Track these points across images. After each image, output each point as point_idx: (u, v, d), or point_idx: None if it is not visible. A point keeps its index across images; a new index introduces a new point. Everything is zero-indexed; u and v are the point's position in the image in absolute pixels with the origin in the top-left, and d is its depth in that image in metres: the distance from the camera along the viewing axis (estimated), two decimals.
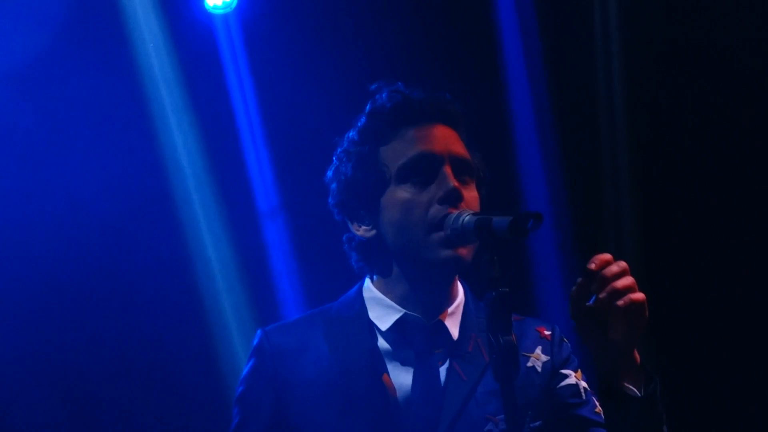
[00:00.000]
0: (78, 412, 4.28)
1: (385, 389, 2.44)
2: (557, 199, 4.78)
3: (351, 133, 2.62)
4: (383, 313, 2.54)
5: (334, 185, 2.64)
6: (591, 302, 2.17)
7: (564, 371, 2.59)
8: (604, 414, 2.29)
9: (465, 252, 2.45)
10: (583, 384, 2.59)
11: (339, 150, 2.64)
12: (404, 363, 2.49)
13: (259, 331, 2.61)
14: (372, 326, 2.54)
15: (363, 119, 2.61)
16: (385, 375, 2.46)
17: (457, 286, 2.61)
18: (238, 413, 2.58)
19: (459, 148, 2.55)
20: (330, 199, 2.66)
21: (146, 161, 4.40)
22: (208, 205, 4.46)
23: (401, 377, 2.47)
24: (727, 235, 4.79)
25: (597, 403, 2.56)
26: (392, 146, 2.55)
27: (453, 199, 2.44)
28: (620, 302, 2.14)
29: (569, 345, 2.65)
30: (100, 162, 4.31)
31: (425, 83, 2.65)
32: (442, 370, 2.48)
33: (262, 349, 2.57)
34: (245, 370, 2.62)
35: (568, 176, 4.82)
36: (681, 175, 4.80)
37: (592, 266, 2.14)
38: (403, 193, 2.50)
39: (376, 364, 2.47)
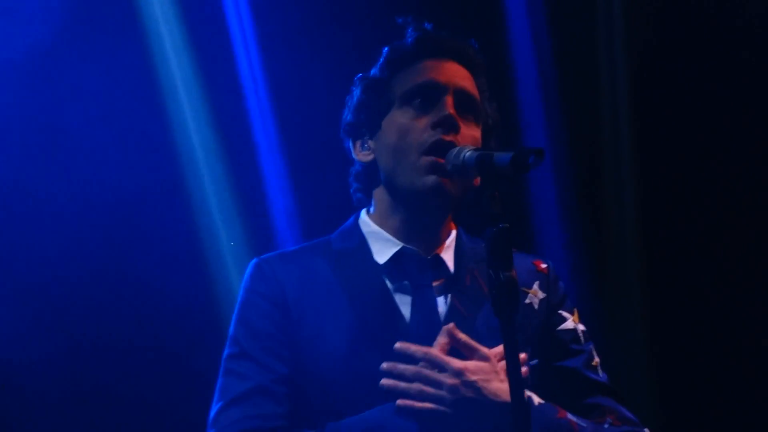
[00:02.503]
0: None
1: (396, 321, 2.45)
2: (557, 138, 4.78)
3: (374, 65, 2.65)
4: (381, 246, 2.56)
5: (345, 111, 2.68)
6: None
7: (562, 312, 2.62)
8: None
9: (448, 183, 2.46)
10: (581, 327, 2.63)
11: (358, 75, 2.68)
12: (403, 296, 2.50)
13: (255, 260, 2.59)
14: (373, 259, 2.55)
15: (385, 50, 2.64)
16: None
17: (450, 224, 2.63)
18: (245, 336, 2.49)
19: (468, 85, 2.57)
20: (341, 126, 2.69)
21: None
22: (206, 142, 4.44)
23: (401, 309, 2.48)
24: (724, 181, 4.79)
25: (594, 354, 2.61)
26: (404, 74, 2.58)
27: (447, 125, 2.46)
28: None
29: (563, 284, 2.68)
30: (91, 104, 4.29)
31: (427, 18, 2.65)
32: (441, 304, 2.49)
33: (264, 275, 2.54)
34: (243, 298, 2.56)
35: (568, 116, 4.81)
36: (681, 116, 4.79)
37: None
38: (401, 116, 2.53)
39: (385, 296, 2.48)
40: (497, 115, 2.66)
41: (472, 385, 2.25)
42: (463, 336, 2.30)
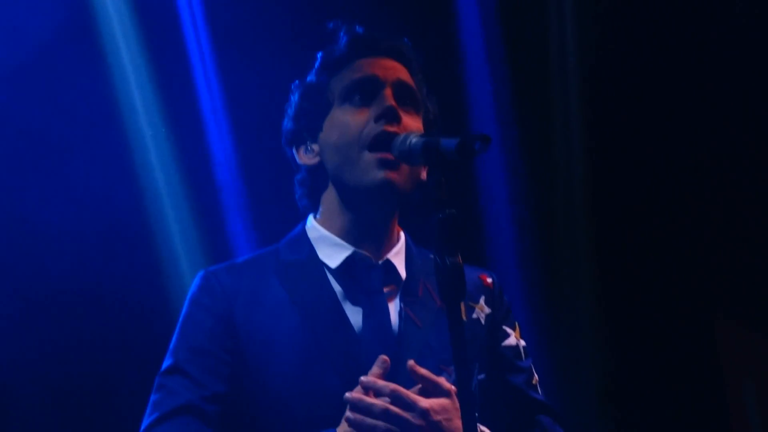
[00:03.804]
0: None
1: (349, 334, 2.43)
2: (506, 123, 4.80)
3: (309, 71, 2.64)
4: (332, 251, 2.54)
5: (284, 120, 2.67)
6: None
7: (505, 328, 2.64)
8: None
9: (397, 176, 2.45)
10: (523, 343, 2.65)
11: (295, 83, 2.67)
12: (354, 303, 2.49)
13: (202, 272, 2.55)
14: (323, 267, 2.53)
15: (319, 55, 2.63)
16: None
17: (397, 227, 2.62)
18: (182, 350, 2.45)
19: (405, 77, 2.57)
20: (282, 136, 2.68)
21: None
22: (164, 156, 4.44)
23: (352, 318, 2.47)
24: (674, 166, 4.84)
25: (534, 372, 2.64)
26: (340, 75, 2.57)
27: (389, 116, 2.46)
28: None
29: (507, 297, 2.70)
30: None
31: (377, 18, 2.66)
32: (394, 314, 2.48)
33: (212, 288, 2.50)
34: (186, 310, 2.51)
35: (517, 100, 4.84)
36: (631, 98, 4.84)
37: None
38: (342, 114, 2.53)
39: (335, 305, 2.47)
40: (437, 109, 2.67)
41: (437, 426, 2.20)
42: (424, 371, 2.25)
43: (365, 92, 2.52)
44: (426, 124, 2.60)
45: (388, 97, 2.49)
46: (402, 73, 2.57)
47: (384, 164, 2.44)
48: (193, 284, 2.54)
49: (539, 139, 4.86)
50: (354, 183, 2.49)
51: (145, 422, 2.40)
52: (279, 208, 3.92)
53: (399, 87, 2.54)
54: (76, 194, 4.26)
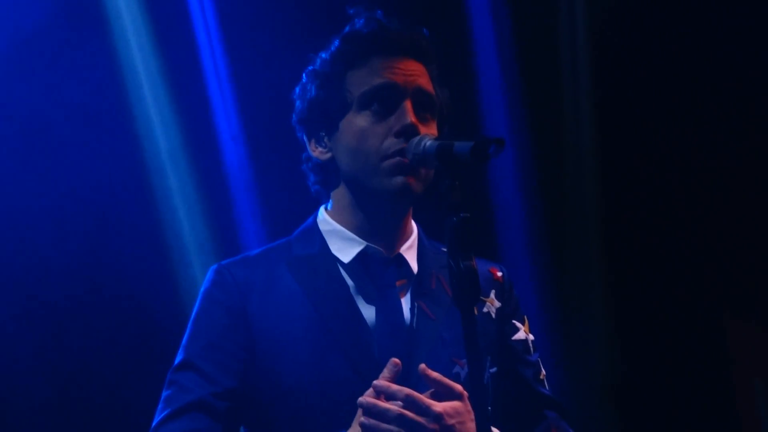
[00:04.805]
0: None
1: (362, 328, 2.44)
2: (518, 128, 4.79)
3: (323, 54, 2.62)
4: (344, 245, 2.54)
5: (298, 102, 2.65)
6: None
7: (515, 322, 2.64)
8: None
9: (414, 182, 2.46)
10: (531, 337, 2.66)
11: (309, 68, 2.64)
12: (367, 298, 2.49)
13: (215, 266, 2.55)
14: (336, 261, 2.54)
15: (336, 42, 2.60)
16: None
17: (411, 222, 2.62)
18: (194, 345, 2.46)
19: (425, 83, 2.55)
20: (293, 116, 2.66)
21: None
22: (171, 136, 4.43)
23: (365, 312, 2.48)
24: (683, 168, 4.83)
25: (541, 366, 2.66)
26: (359, 72, 2.54)
27: (409, 134, 2.44)
28: None
29: (516, 292, 2.71)
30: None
31: (392, 12, 2.64)
32: (407, 307, 2.49)
33: (225, 283, 2.50)
34: (200, 305, 2.51)
35: (529, 105, 4.83)
36: (644, 98, 4.82)
37: None
38: (361, 120, 2.51)
39: (348, 299, 2.47)
40: (449, 101, 2.65)
41: (450, 430, 2.21)
42: (436, 374, 2.26)
43: (385, 101, 2.50)
44: (439, 121, 2.59)
45: (409, 111, 2.47)
46: (421, 78, 2.55)
47: (401, 169, 2.44)
48: (206, 279, 2.55)
49: (550, 138, 4.86)
50: (371, 187, 2.49)
51: (157, 418, 2.41)
52: (289, 203, 3.94)
53: (418, 95, 2.52)
54: (84, 188, 4.25)
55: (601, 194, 4.82)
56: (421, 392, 2.24)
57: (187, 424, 2.37)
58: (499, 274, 2.66)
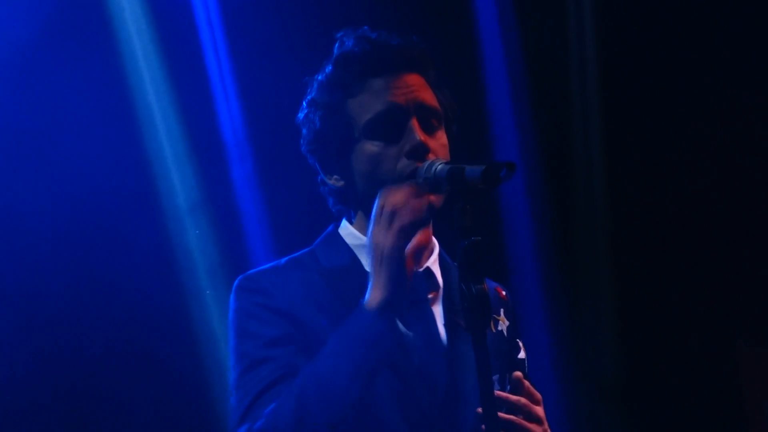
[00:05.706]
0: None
1: (403, 339, 2.38)
2: (528, 149, 4.78)
3: (320, 78, 2.58)
4: None
5: (304, 131, 2.62)
6: None
7: (519, 341, 2.64)
8: None
9: (434, 198, 2.41)
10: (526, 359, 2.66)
11: (308, 96, 2.61)
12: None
13: (240, 277, 2.52)
14: (368, 275, 2.44)
15: (330, 67, 2.57)
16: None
17: (432, 237, 2.60)
18: (255, 346, 2.40)
19: (426, 96, 2.52)
20: (301, 144, 2.64)
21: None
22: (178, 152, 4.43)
23: (400, 326, 2.40)
24: (694, 186, 4.82)
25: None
26: (360, 99, 2.51)
27: (420, 153, 2.42)
28: None
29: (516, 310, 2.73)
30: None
31: (394, 25, 2.61)
32: (438, 319, 2.48)
33: (263, 288, 2.46)
34: (237, 314, 2.46)
35: (539, 126, 4.81)
36: (653, 123, 4.81)
37: None
38: (371, 147, 2.48)
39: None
40: (452, 102, 2.61)
41: None
42: (526, 383, 2.33)
43: (391, 125, 2.47)
44: (447, 124, 2.57)
45: (416, 130, 2.45)
46: (421, 90, 2.52)
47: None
48: (234, 291, 2.51)
49: (559, 151, 4.85)
50: None
51: (239, 411, 2.35)
52: (293, 202, 3.94)
53: (422, 111, 2.50)
54: (88, 190, 4.24)
55: (612, 214, 4.81)
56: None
57: (280, 391, 2.31)
58: (504, 293, 2.66)
